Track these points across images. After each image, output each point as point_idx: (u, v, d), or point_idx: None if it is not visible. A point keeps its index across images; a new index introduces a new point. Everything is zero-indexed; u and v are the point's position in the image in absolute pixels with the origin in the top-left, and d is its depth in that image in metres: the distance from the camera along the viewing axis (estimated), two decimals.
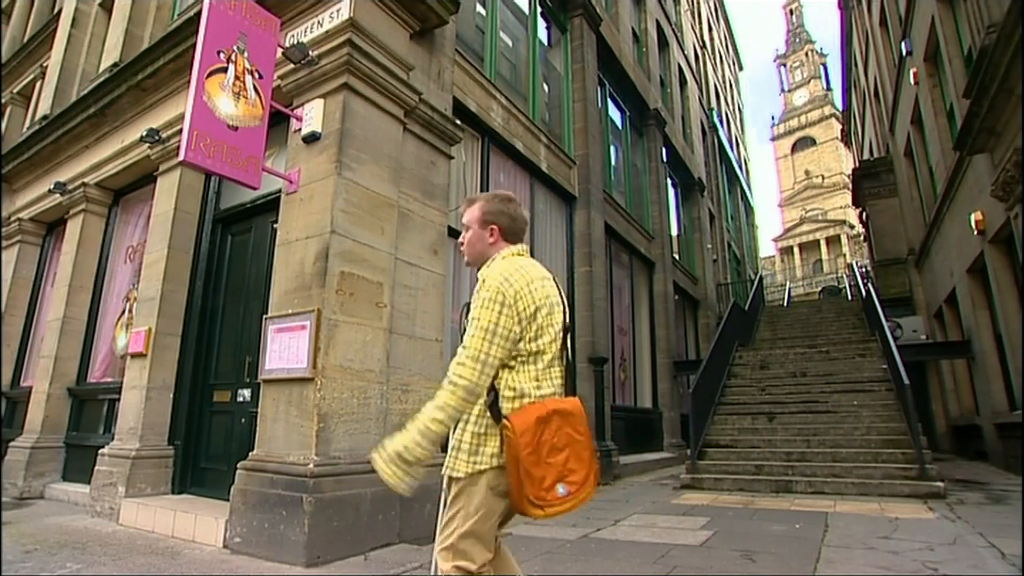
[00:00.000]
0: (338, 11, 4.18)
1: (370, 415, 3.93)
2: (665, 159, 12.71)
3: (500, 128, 6.51)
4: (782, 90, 65.26)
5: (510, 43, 7.83)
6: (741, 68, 31.40)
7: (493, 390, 1.63)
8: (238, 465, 3.83)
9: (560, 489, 1.61)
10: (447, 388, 1.58)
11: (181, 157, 3.46)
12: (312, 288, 3.81)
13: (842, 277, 28.48)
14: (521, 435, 1.55)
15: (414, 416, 1.61)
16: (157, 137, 5.32)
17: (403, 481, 1.57)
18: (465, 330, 1.67)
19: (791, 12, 67.06)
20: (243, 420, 4.53)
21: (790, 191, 60.14)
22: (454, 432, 1.67)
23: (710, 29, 23.26)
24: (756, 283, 15.81)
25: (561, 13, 8.77)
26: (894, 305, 12.61)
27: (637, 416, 9.77)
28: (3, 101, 10.14)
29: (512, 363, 1.66)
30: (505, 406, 1.62)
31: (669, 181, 13.43)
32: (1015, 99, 5.55)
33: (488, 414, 1.63)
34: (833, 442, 6.95)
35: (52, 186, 6.71)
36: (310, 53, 4.14)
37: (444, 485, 1.70)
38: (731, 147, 22.46)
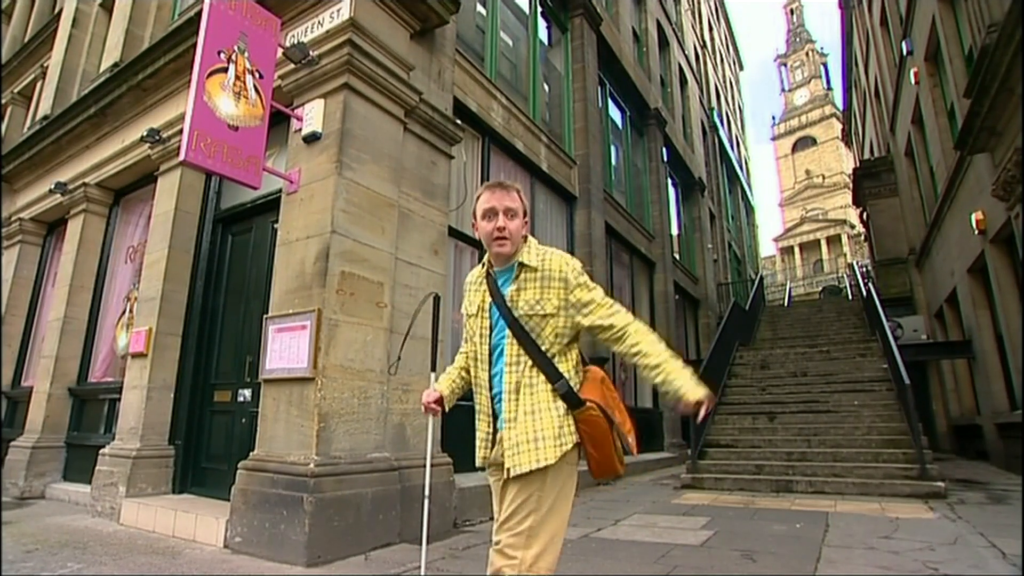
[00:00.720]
0: (338, 11, 4.18)
1: (371, 415, 3.93)
2: (666, 159, 12.70)
3: (500, 128, 6.50)
4: (782, 90, 65.22)
5: (510, 43, 7.83)
6: (741, 68, 31.39)
7: (562, 377, 1.71)
8: (239, 465, 3.83)
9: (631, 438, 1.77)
10: (644, 328, 1.76)
11: (182, 157, 3.47)
12: (313, 288, 3.82)
13: (843, 277, 28.46)
14: (604, 403, 1.71)
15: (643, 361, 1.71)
16: (157, 137, 5.32)
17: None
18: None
19: (792, 12, 67.00)
20: (244, 420, 4.53)
21: (790, 191, 60.10)
22: (513, 426, 1.67)
23: (710, 29, 23.25)
24: (756, 283, 15.80)
25: (561, 13, 8.77)
26: (895, 305, 12.59)
27: (638, 416, 9.72)
28: (3, 101, 10.15)
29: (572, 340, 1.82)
30: (574, 380, 1.74)
31: (669, 181, 13.42)
32: (1016, 99, 5.54)
33: (559, 398, 1.69)
34: (834, 442, 6.94)
35: (53, 186, 6.72)
36: (310, 53, 4.14)
37: (506, 481, 1.69)
38: (731, 147, 22.45)
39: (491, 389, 1.77)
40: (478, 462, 1.80)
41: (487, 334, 1.79)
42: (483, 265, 1.87)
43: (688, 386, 1.62)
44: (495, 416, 1.76)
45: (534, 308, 1.72)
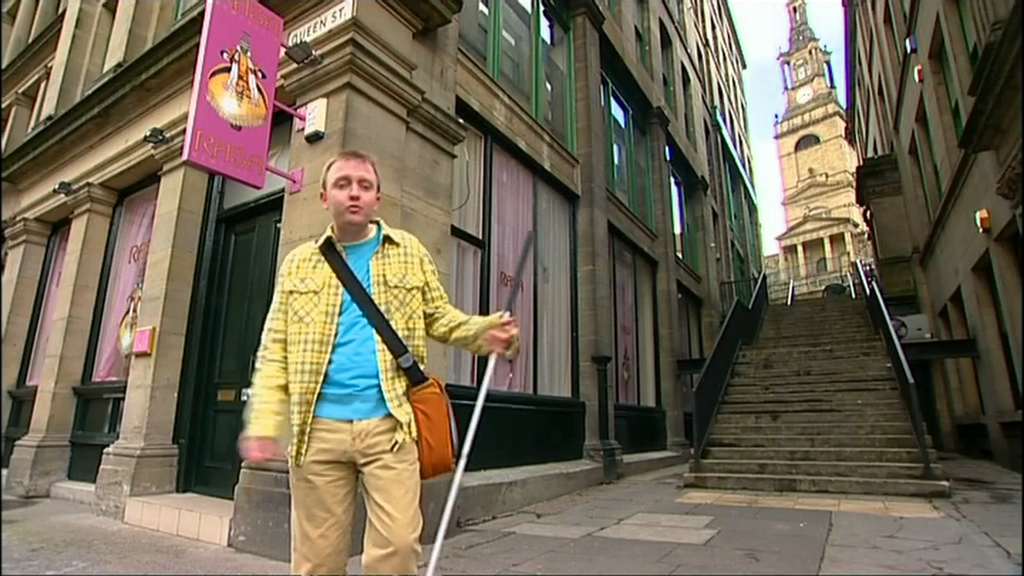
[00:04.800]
0: (341, 10, 4.18)
1: None
2: (668, 158, 12.68)
3: (503, 127, 6.50)
4: (785, 88, 65.03)
5: (513, 42, 7.82)
6: (744, 66, 31.30)
7: (407, 351, 1.70)
8: (242, 464, 3.83)
9: None
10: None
11: (185, 157, 3.48)
12: None
13: (846, 275, 28.40)
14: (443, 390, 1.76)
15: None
16: (161, 137, 5.34)
17: None
18: (427, 287, 1.82)
19: (795, 10, 66.77)
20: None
21: (794, 189, 59.93)
22: (396, 378, 1.69)
23: (713, 27, 23.18)
24: (760, 281, 15.77)
25: (564, 12, 8.75)
26: (899, 303, 12.55)
27: (640, 415, 9.76)
28: (3, 104, 10.18)
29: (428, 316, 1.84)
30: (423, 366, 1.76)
31: (672, 180, 13.40)
32: (1020, 96, 5.52)
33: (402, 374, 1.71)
34: (837, 441, 6.93)
35: (57, 186, 6.74)
36: (313, 52, 4.15)
37: (400, 444, 1.66)
38: (734, 145, 22.39)
39: (324, 374, 1.65)
40: (292, 458, 1.66)
41: (334, 312, 1.68)
42: (319, 241, 1.77)
43: (491, 319, 1.77)
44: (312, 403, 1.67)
45: (402, 281, 1.74)
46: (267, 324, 1.76)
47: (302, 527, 1.63)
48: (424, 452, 1.68)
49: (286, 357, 1.71)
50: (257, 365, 1.75)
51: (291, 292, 1.72)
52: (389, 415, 1.66)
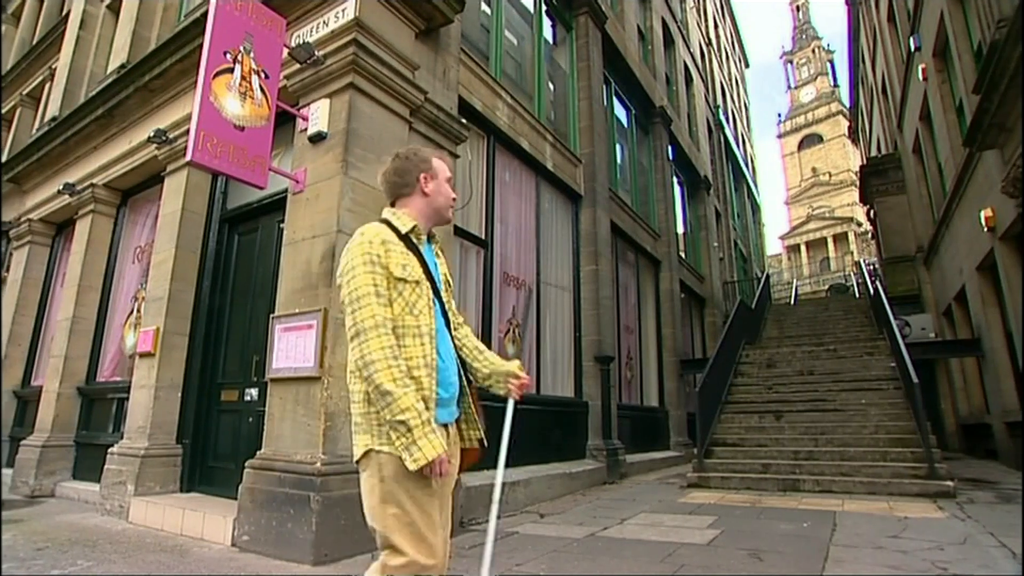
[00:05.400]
0: (343, 11, 4.18)
1: None
2: (671, 157, 12.66)
3: (506, 127, 6.50)
4: (789, 87, 64.83)
5: (515, 42, 7.82)
6: (747, 65, 31.25)
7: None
8: (246, 464, 3.85)
9: None
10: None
11: (188, 157, 3.49)
12: (319, 287, 3.83)
13: (849, 275, 28.33)
14: None
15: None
16: (164, 138, 5.36)
17: None
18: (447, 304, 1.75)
19: (798, 8, 66.57)
20: (251, 419, 4.55)
21: (797, 189, 59.76)
22: (470, 407, 1.76)
23: (716, 26, 23.14)
24: (763, 281, 15.73)
25: (566, 11, 8.74)
26: (903, 303, 12.51)
27: (643, 415, 9.75)
28: (7, 106, 10.22)
29: None
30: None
31: (675, 179, 13.37)
32: None
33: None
34: (841, 441, 6.91)
35: (61, 187, 6.76)
36: (316, 53, 4.15)
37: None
38: (737, 145, 22.35)
39: (436, 370, 1.55)
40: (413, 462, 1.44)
41: (434, 305, 1.60)
42: (396, 229, 1.63)
43: (509, 366, 1.82)
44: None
45: (449, 279, 1.79)
46: (373, 314, 1.47)
47: (423, 535, 1.46)
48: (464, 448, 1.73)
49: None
50: (384, 361, 1.44)
51: (400, 279, 1.54)
52: (457, 419, 1.70)
